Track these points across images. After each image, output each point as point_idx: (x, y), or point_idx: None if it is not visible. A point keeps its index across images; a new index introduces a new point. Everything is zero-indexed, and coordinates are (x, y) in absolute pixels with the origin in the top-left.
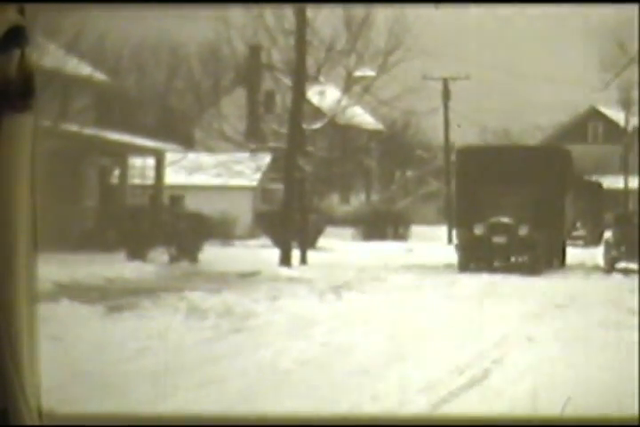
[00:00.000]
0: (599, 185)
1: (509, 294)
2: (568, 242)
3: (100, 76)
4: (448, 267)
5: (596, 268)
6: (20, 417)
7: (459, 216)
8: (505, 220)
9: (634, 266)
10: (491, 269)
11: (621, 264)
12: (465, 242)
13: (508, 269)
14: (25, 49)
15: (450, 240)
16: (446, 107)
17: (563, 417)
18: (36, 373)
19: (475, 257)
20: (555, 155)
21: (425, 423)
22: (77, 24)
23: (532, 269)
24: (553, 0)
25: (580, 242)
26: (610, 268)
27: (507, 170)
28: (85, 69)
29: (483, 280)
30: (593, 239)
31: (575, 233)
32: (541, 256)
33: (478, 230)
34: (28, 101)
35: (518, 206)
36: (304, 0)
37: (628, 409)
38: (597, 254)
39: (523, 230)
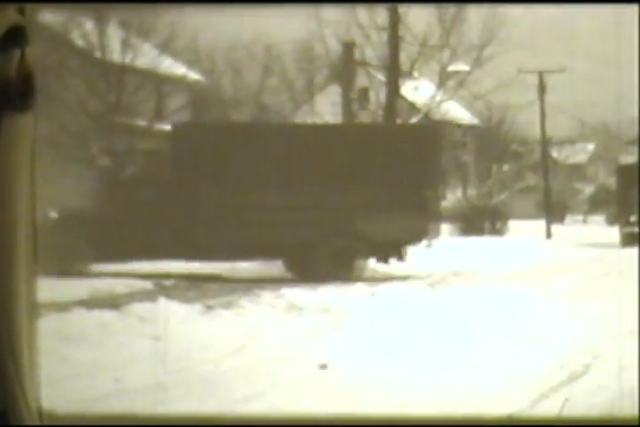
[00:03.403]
0: None
1: None
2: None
3: (194, 75)
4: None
5: None
6: (20, 417)
7: None
8: None
9: None
10: None
11: None
12: None
13: None
14: (25, 49)
15: (548, 234)
16: (542, 100)
17: (562, 417)
18: (35, 373)
19: None
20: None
21: (426, 423)
22: (171, 24)
23: None
24: (551, 0)
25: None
26: None
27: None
28: (180, 69)
29: None
30: None
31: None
32: None
33: None
34: (28, 101)
35: None
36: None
37: None
38: None
39: None
